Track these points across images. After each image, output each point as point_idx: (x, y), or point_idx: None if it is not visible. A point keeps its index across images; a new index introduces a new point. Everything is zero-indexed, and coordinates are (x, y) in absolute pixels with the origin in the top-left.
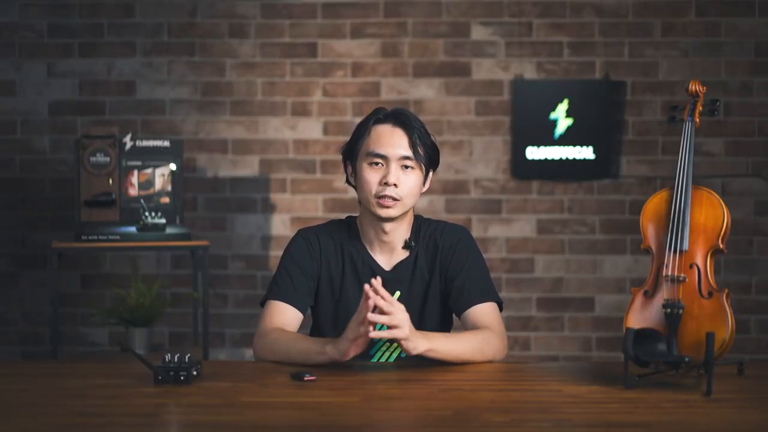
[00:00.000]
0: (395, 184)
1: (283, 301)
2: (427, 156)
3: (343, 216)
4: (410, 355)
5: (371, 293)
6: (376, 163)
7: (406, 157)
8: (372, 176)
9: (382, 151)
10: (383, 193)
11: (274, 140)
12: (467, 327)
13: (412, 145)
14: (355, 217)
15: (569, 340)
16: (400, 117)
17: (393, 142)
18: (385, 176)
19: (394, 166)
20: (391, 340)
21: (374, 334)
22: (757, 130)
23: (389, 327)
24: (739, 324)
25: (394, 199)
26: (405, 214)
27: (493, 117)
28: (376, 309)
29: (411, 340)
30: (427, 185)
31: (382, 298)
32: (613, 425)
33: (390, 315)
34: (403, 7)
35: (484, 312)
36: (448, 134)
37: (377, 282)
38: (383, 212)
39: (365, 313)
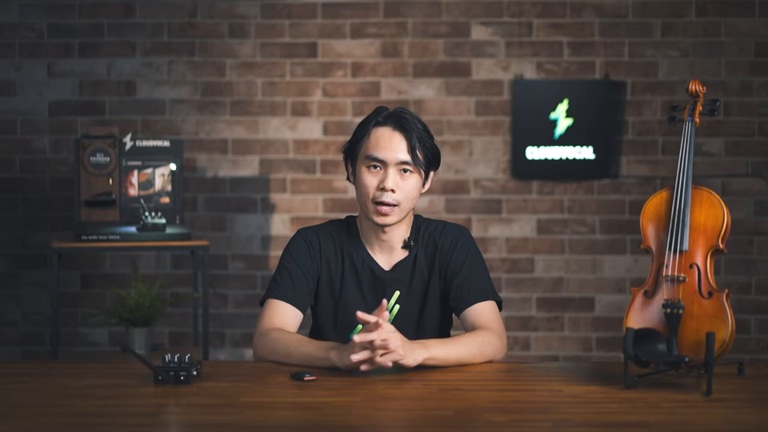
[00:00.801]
0: (392, 190)
1: (283, 301)
2: (427, 159)
3: (342, 216)
4: (411, 368)
5: (357, 338)
6: (375, 167)
7: (405, 162)
8: (370, 180)
9: (380, 156)
10: (380, 199)
11: (274, 140)
12: (467, 326)
13: (411, 150)
14: (355, 216)
15: (569, 340)
16: (400, 120)
17: (392, 146)
18: (383, 181)
19: (392, 171)
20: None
21: (365, 367)
22: (757, 130)
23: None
24: (739, 324)
25: (392, 205)
26: (403, 217)
27: (493, 117)
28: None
29: (407, 356)
30: (428, 185)
31: (369, 322)
32: (613, 425)
33: (378, 348)
34: (403, 7)
35: (483, 311)
36: (448, 134)
37: (363, 315)
38: (381, 219)
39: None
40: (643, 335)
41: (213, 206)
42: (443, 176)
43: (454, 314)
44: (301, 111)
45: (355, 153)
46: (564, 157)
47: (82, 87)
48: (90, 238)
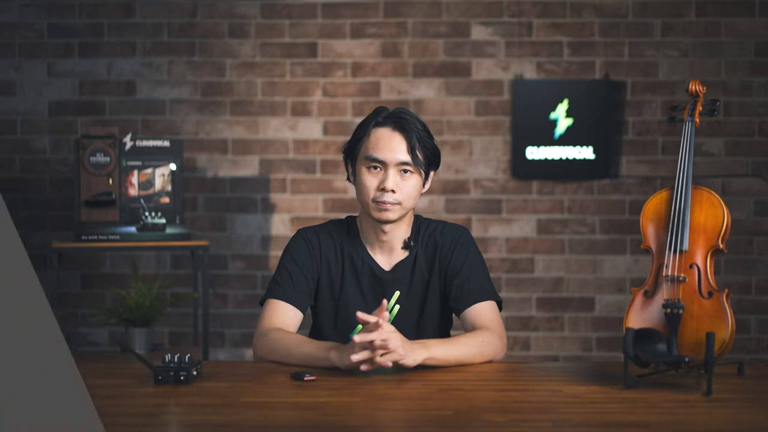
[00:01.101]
0: (393, 190)
1: (284, 301)
2: (427, 159)
3: (343, 216)
4: (411, 368)
5: (357, 338)
6: (375, 167)
7: (405, 163)
8: (370, 181)
9: (380, 156)
10: (381, 199)
11: (274, 140)
12: (466, 326)
13: (411, 150)
14: (355, 216)
15: (569, 340)
16: (400, 121)
17: (392, 146)
18: (383, 181)
19: (392, 172)
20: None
21: (365, 367)
22: (757, 130)
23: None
24: (739, 324)
25: (393, 204)
26: (404, 215)
27: (493, 117)
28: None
29: (407, 356)
30: (428, 185)
31: (369, 323)
32: (613, 425)
33: (378, 348)
34: (403, 7)
35: (483, 311)
36: (448, 134)
37: (363, 315)
38: (382, 215)
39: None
40: (643, 335)
41: (213, 206)
42: (443, 176)
43: (454, 314)
44: (301, 111)
45: (354, 153)
46: (564, 157)
47: (82, 87)
48: (90, 238)
